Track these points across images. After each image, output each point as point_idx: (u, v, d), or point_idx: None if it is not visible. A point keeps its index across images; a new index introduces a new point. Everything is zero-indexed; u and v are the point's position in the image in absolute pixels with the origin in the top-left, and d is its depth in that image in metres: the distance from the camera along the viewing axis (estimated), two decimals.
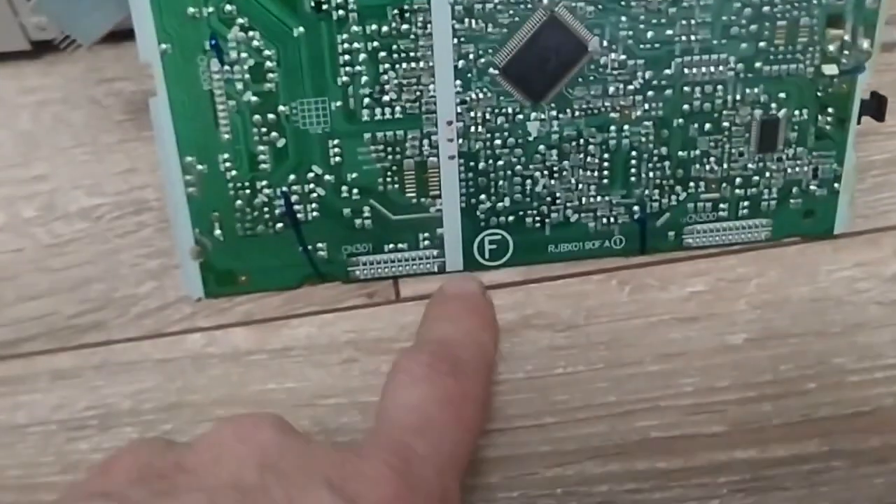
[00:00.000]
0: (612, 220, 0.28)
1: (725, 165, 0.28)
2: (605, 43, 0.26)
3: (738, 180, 0.28)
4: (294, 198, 0.27)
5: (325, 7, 0.25)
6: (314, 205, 0.27)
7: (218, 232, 0.27)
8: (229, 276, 0.28)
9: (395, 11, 0.25)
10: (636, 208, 0.28)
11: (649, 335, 0.28)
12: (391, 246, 0.28)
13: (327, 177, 0.27)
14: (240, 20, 0.25)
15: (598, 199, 0.28)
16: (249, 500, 0.19)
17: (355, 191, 0.27)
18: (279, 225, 0.27)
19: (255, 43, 0.25)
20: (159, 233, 0.29)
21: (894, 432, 0.27)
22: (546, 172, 0.28)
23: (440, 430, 0.22)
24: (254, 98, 0.26)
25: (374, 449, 0.21)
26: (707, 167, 0.28)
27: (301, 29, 0.25)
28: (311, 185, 0.27)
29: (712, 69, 0.27)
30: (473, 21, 0.25)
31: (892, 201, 0.30)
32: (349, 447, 0.22)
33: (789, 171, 0.28)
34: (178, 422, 0.27)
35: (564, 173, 0.28)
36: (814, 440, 0.27)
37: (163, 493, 0.20)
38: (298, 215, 0.27)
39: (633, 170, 0.28)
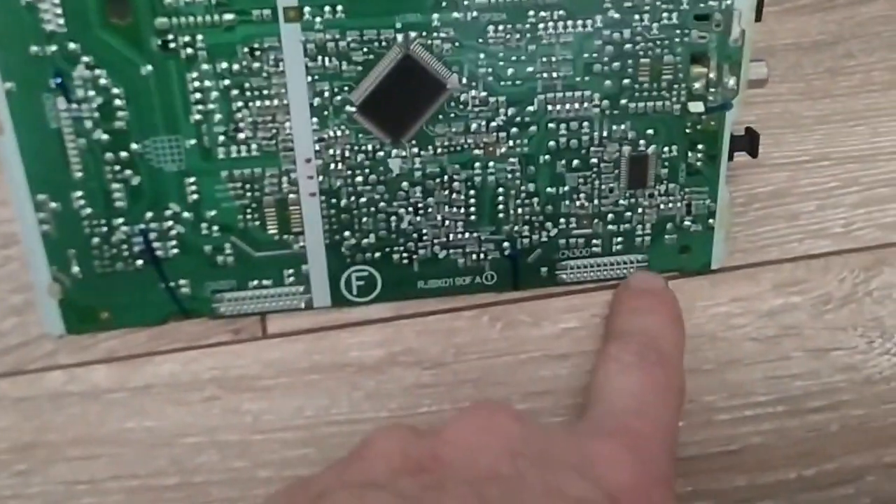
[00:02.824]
0: (481, 256, 0.28)
1: (596, 201, 0.28)
2: (464, 80, 0.26)
3: (609, 216, 0.28)
4: (152, 235, 0.27)
5: (172, 46, 0.24)
6: (174, 242, 0.27)
7: (76, 269, 0.27)
8: (90, 312, 0.27)
9: (246, 49, 0.25)
10: (506, 244, 0.28)
11: (518, 372, 0.28)
12: (255, 282, 0.28)
13: (185, 214, 0.26)
14: (84, 58, 0.24)
15: (466, 235, 0.28)
16: (510, 490, 0.20)
17: (215, 228, 0.27)
18: (139, 262, 0.27)
19: (102, 81, 0.25)
20: (26, 267, 0.28)
21: (760, 472, 0.27)
22: (410, 209, 0.27)
23: (657, 413, 0.23)
24: (104, 136, 0.25)
25: (603, 430, 0.22)
26: (577, 203, 0.28)
27: (149, 67, 0.25)
28: (170, 223, 0.26)
29: (576, 106, 0.27)
30: (327, 59, 0.25)
31: (772, 235, 0.30)
32: (576, 429, 0.23)
33: (662, 206, 0.28)
34: (32, 462, 0.27)
35: (430, 210, 0.27)
36: (678, 480, 0.27)
37: (431, 486, 0.20)
38: (158, 252, 0.27)
39: (500, 206, 0.28)
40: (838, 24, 0.34)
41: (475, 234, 0.28)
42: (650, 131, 0.27)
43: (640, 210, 0.28)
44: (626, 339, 0.26)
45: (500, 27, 0.25)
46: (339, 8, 0.25)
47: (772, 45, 0.33)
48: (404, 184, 0.27)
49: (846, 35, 0.33)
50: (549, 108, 0.26)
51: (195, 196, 0.26)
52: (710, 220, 0.28)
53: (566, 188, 0.28)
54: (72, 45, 0.24)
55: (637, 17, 0.26)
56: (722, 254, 0.29)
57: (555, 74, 0.26)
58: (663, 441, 0.23)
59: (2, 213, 0.29)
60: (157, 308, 0.28)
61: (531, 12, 0.25)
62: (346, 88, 0.26)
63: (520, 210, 0.28)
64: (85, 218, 0.26)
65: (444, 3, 0.25)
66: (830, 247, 0.30)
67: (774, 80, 0.31)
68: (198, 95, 0.25)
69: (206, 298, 0.28)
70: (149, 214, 0.26)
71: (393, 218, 0.27)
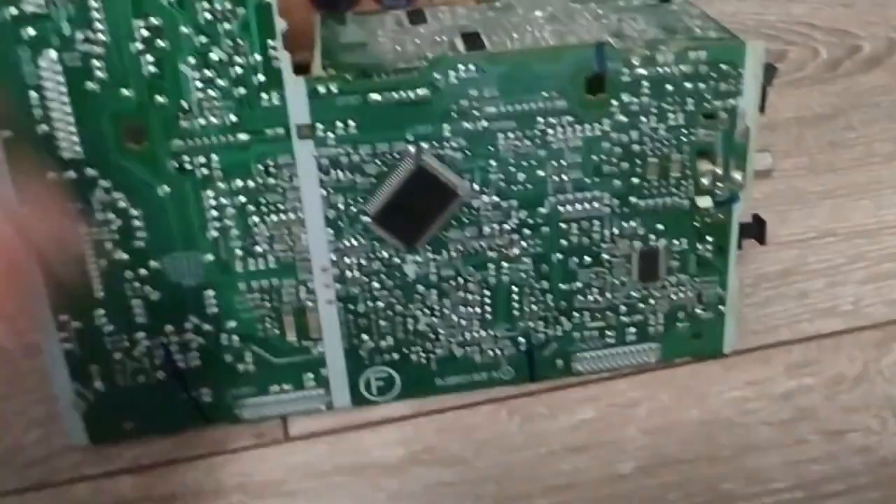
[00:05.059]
0: (498, 352, 0.28)
1: (609, 295, 0.28)
2: (475, 186, 0.26)
3: (622, 308, 0.28)
4: (173, 348, 0.27)
5: (188, 167, 0.25)
6: (194, 353, 0.27)
7: (98, 383, 0.27)
8: (114, 423, 0.28)
9: (260, 167, 0.25)
10: (522, 340, 0.28)
11: (538, 467, 0.28)
12: (276, 387, 0.28)
13: (206, 326, 0.27)
14: (102, 183, 0.25)
15: (483, 333, 0.28)
16: None
17: (235, 338, 0.27)
18: (161, 373, 0.27)
19: (121, 204, 0.25)
20: (47, 377, 0.29)
21: None
22: (427, 311, 0.28)
23: None
24: (124, 256, 0.26)
25: None
26: (590, 298, 0.28)
27: (166, 188, 0.25)
28: (190, 335, 0.27)
29: (587, 206, 0.27)
30: (340, 172, 0.25)
31: (783, 315, 0.30)
32: None
33: (673, 297, 0.28)
34: None
35: (445, 311, 0.28)
36: None
37: None
38: (179, 364, 0.27)
39: (515, 304, 0.28)
40: (838, 95, 0.34)
41: (491, 332, 0.28)
42: (660, 226, 0.27)
43: (651, 301, 0.28)
44: None
45: (511, 134, 0.26)
46: (352, 123, 0.25)
47: (774, 119, 0.34)
48: (420, 287, 0.27)
49: (846, 107, 0.34)
50: (560, 209, 0.27)
51: (214, 309, 0.27)
52: (721, 307, 0.29)
53: (579, 284, 0.28)
54: (90, 171, 0.25)
55: (644, 119, 0.26)
56: (733, 338, 0.29)
57: (565, 177, 0.26)
58: None
59: (20, 323, 0.29)
60: (179, 416, 0.28)
61: (540, 119, 0.26)
62: (360, 200, 0.26)
63: (534, 307, 0.28)
64: (107, 335, 0.26)
65: (454, 114, 0.25)
66: (840, 325, 0.30)
67: (778, 156, 0.31)
68: (214, 213, 0.26)
69: (227, 405, 0.28)
70: (169, 328, 0.27)
71: (410, 320, 0.28)
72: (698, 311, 0.29)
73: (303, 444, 0.28)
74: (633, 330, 0.29)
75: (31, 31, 0.23)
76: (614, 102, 0.26)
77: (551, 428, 0.29)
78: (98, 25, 0.23)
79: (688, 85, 0.26)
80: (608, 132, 0.26)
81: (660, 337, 0.29)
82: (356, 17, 0.29)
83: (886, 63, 0.34)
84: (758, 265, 0.31)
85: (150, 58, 0.23)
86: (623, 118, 0.26)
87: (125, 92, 0.24)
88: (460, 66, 0.25)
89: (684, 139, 0.26)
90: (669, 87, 0.26)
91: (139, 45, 0.23)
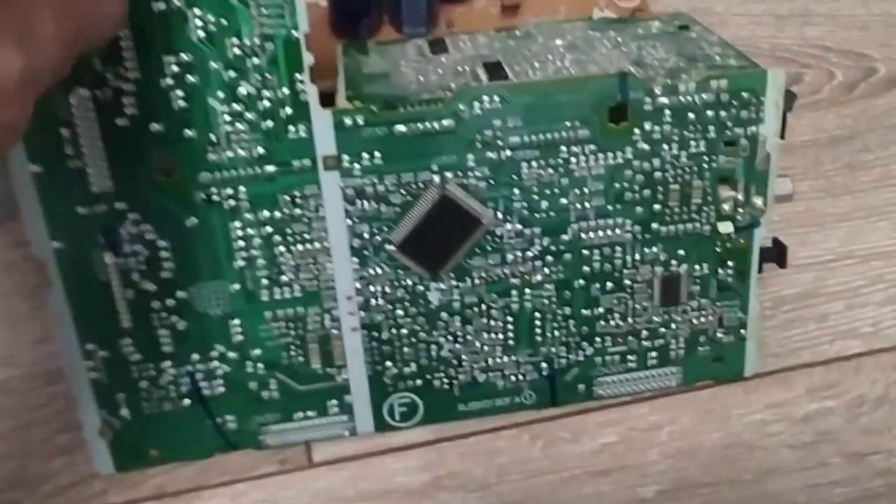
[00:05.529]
0: (520, 377, 0.29)
1: (630, 320, 0.28)
2: (499, 215, 0.26)
3: (644, 333, 0.29)
4: (199, 376, 0.27)
5: (215, 198, 0.25)
6: (220, 381, 0.27)
7: (125, 411, 0.27)
8: (139, 450, 0.28)
9: (287, 198, 0.25)
10: (544, 365, 0.29)
11: (561, 491, 0.28)
12: (301, 414, 0.28)
13: (231, 354, 0.27)
14: (131, 216, 0.25)
15: (505, 359, 0.28)
16: None
17: (260, 365, 0.27)
18: (186, 401, 0.27)
19: (149, 235, 0.25)
20: (71, 404, 0.29)
21: None
22: (450, 338, 0.28)
23: None
24: (151, 286, 0.26)
25: None
26: (612, 323, 0.28)
27: (193, 219, 0.25)
28: (216, 363, 0.27)
29: (609, 232, 0.27)
30: (365, 202, 0.26)
31: (802, 338, 0.31)
32: None
33: (695, 321, 0.29)
34: None
35: (469, 337, 0.28)
36: None
37: None
38: (205, 391, 0.27)
39: (537, 330, 0.28)
40: (854, 118, 0.34)
41: (513, 358, 0.28)
42: (681, 252, 0.28)
43: (673, 325, 0.29)
44: None
45: (534, 163, 0.26)
46: (377, 154, 0.25)
47: (790, 142, 0.34)
48: (443, 314, 0.27)
49: (862, 129, 0.34)
50: (583, 236, 0.27)
51: (240, 337, 0.27)
52: (742, 331, 0.29)
53: (601, 309, 0.28)
54: (119, 205, 0.25)
55: (665, 146, 0.26)
56: (755, 361, 0.29)
57: (587, 204, 0.27)
58: None
59: (43, 349, 0.30)
60: (204, 443, 0.28)
61: (563, 148, 0.26)
62: (385, 229, 0.26)
63: (556, 332, 0.28)
64: (133, 363, 0.27)
65: (478, 144, 0.25)
66: (861, 347, 0.30)
67: (795, 178, 0.31)
68: (241, 243, 0.26)
69: (252, 431, 0.28)
70: (195, 356, 0.27)
71: (433, 347, 0.28)
72: (719, 335, 0.29)
73: (327, 469, 0.29)
74: (654, 354, 0.29)
75: None
76: (637, 131, 0.26)
77: (573, 452, 0.29)
78: (129, 63, 0.23)
79: (709, 113, 0.26)
80: (630, 160, 0.26)
81: (681, 361, 0.29)
82: (377, 45, 0.29)
83: None
84: (777, 288, 0.31)
85: (179, 93, 0.24)
86: (645, 146, 0.26)
87: (155, 126, 0.24)
88: (484, 97, 0.25)
89: (706, 166, 0.27)
90: (691, 116, 0.26)
91: (169, 81, 0.24)
